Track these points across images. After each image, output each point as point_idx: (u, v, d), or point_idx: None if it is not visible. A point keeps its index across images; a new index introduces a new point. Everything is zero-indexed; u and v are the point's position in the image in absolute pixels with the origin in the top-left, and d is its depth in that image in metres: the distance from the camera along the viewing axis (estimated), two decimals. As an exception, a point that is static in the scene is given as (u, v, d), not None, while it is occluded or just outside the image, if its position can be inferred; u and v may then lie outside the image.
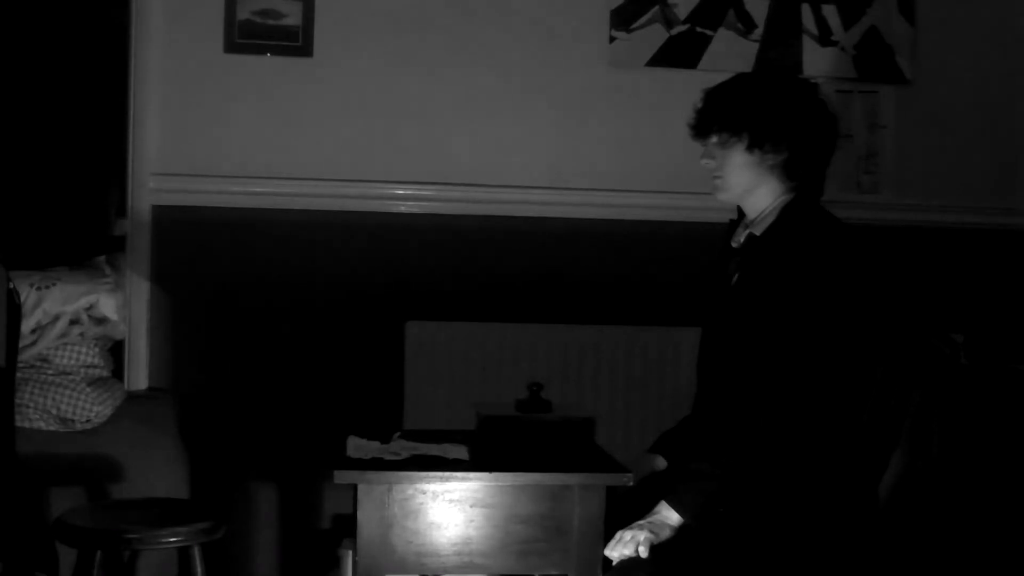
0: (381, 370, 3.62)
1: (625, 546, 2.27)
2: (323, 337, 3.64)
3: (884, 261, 2.51)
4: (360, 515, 2.28)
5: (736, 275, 2.51)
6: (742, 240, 2.51)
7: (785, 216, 2.44)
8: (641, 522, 2.30)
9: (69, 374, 3.32)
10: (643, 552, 2.25)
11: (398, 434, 2.54)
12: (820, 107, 2.46)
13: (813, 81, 2.55)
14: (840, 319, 2.33)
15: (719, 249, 2.61)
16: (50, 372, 3.32)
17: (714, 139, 2.46)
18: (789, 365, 2.33)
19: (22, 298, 3.13)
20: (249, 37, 3.58)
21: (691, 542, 2.36)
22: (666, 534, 2.30)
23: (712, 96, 2.48)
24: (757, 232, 2.47)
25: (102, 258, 3.63)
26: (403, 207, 3.67)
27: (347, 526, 3.12)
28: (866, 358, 2.41)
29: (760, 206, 2.47)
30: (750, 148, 2.42)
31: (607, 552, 2.30)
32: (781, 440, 2.33)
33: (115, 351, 3.54)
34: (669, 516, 2.31)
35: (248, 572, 3.63)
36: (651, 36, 3.75)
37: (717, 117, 2.45)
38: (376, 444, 2.45)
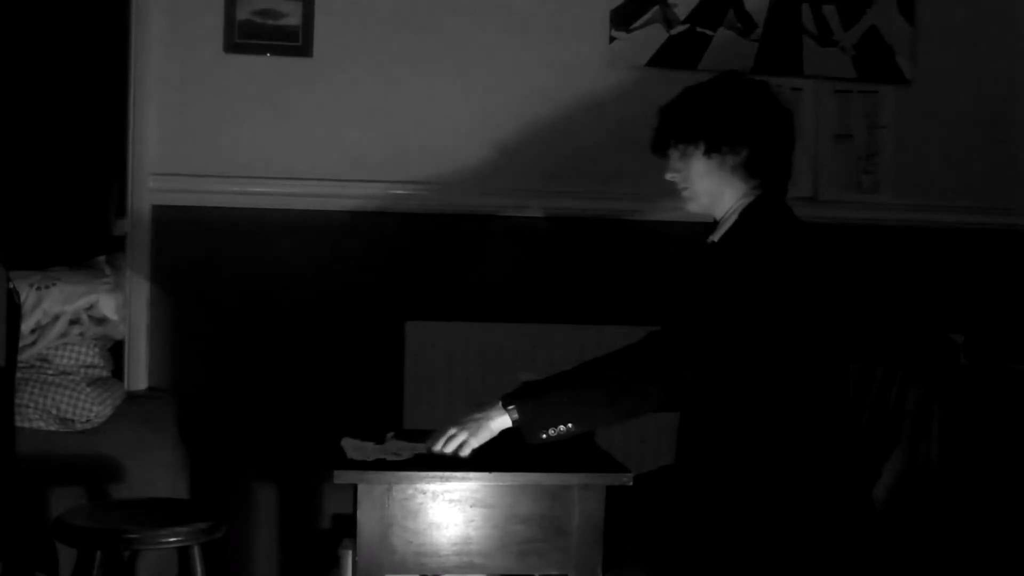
0: (381, 370, 3.62)
1: (447, 445, 2.33)
2: (323, 337, 3.64)
3: (838, 257, 2.50)
4: (360, 515, 2.28)
5: (700, 280, 2.51)
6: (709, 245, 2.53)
7: (743, 219, 2.44)
8: (468, 422, 2.34)
9: (69, 374, 3.32)
10: (464, 453, 2.32)
11: (391, 434, 2.54)
12: (771, 101, 2.47)
13: (760, 79, 2.55)
14: (777, 309, 2.31)
15: (695, 253, 2.61)
16: (50, 372, 3.32)
17: (674, 153, 2.48)
18: (729, 358, 2.33)
19: (22, 298, 3.14)
20: (249, 37, 3.58)
21: (691, 542, 2.37)
22: (486, 438, 2.34)
23: (665, 112, 2.51)
24: (716, 238, 2.49)
25: (102, 258, 3.63)
26: (403, 207, 3.67)
27: (347, 526, 3.13)
28: (827, 350, 2.40)
29: (725, 210, 2.48)
30: (708, 153, 2.43)
31: (432, 446, 2.35)
32: (738, 425, 2.35)
33: (115, 351, 3.54)
34: (501, 422, 2.34)
35: (248, 572, 3.63)
36: (651, 36, 3.75)
37: (672, 131, 2.48)
38: (371, 445, 2.44)
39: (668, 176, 2.52)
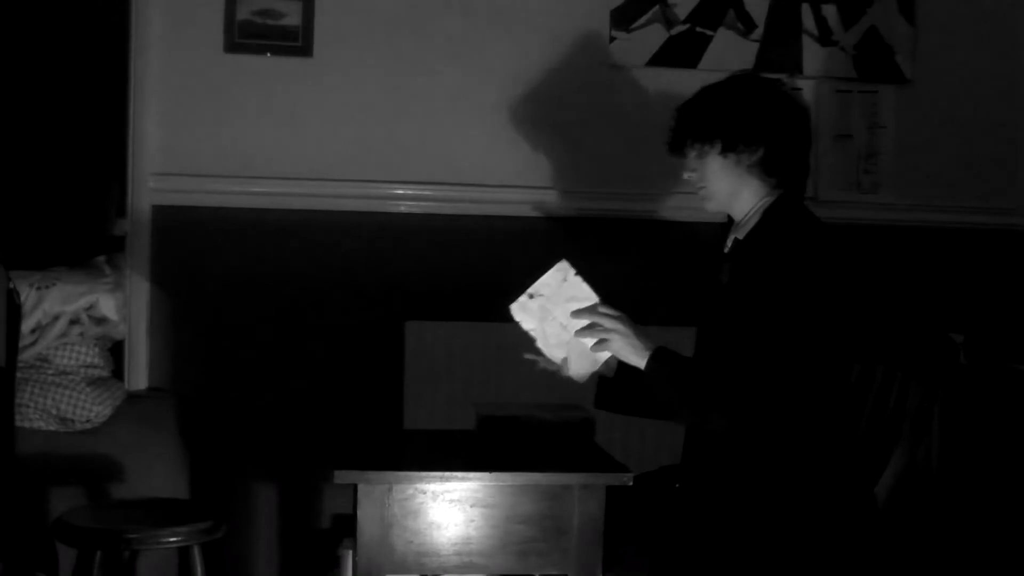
0: (381, 370, 3.62)
1: (594, 332, 2.38)
2: (323, 337, 3.64)
3: (861, 258, 2.51)
4: (360, 515, 2.28)
5: (726, 279, 2.52)
6: (729, 245, 2.53)
7: (767, 218, 2.44)
8: (626, 334, 2.38)
9: (69, 374, 3.32)
10: (600, 352, 2.39)
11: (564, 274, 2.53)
12: (787, 100, 2.48)
13: (776, 77, 2.56)
14: (817, 312, 2.32)
15: (712, 252, 2.62)
16: (50, 372, 3.32)
17: (691, 153, 2.49)
18: (768, 354, 2.32)
19: (22, 298, 3.14)
20: (249, 37, 3.58)
21: (691, 541, 2.37)
22: (621, 356, 2.38)
23: (682, 112, 2.52)
24: (740, 236, 2.49)
25: (102, 258, 3.63)
26: (403, 207, 3.67)
27: (347, 526, 3.13)
28: (847, 352, 2.41)
29: (745, 209, 2.48)
30: (724, 152, 2.44)
31: (577, 326, 2.40)
32: (767, 426, 2.34)
33: (115, 351, 3.54)
34: (638, 359, 2.36)
35: (248, 572, 3.63)
36: (651, 36, 3.75)
37: (689, 131, 2.48)
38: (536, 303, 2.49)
39: (686, 175, 2.52)
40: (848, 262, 2.39)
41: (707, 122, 2.45)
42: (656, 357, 2.34)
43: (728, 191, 2.47)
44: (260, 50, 3.59)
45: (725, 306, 2.47)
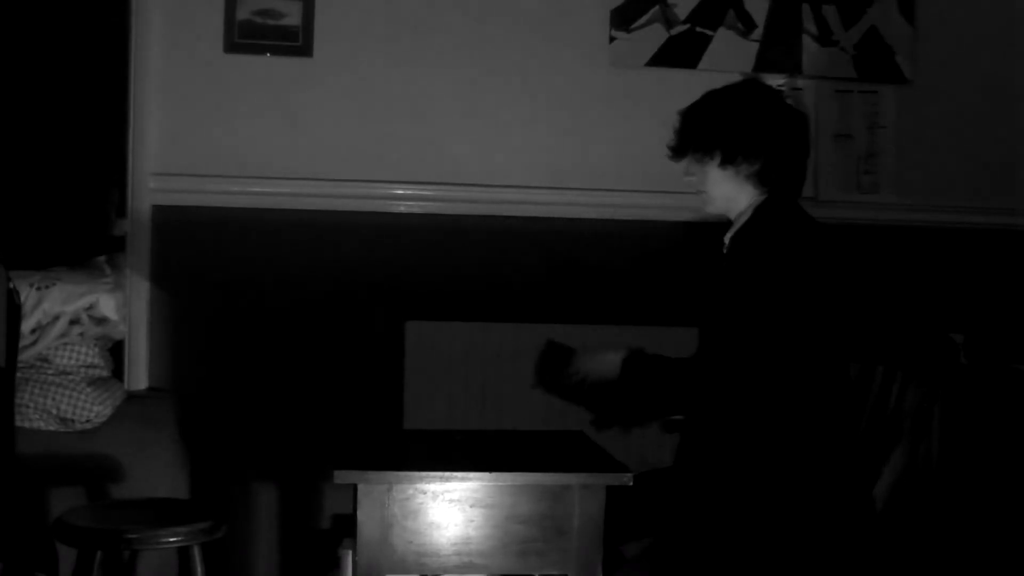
0: (381, 370, 3.62)
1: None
2: (323, 337, 3.64)
3: (850, 255, 2.54)
4: (360, 515, 2.28)
5: (721, 276, 2.56)
6: (727, 244, 2.59)
7: (757, 215, 2.51)
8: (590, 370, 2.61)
9: (69, 374, 3.32)
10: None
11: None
12: (787, 112, 2.54)
13: (778, 87, 2.63)
14: (791, 305, 2.34)
15: (712, 252, 2.65)
16: (50, 372, 3.32)
17: (692, 158, 2.57)
18: (736, 347, 2.35)
19: (22, 298, 3.14)
20: (249, 37, 3.58)
21: (691, 541, 2.37)
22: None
23: (685, 118, 2.59)
24: (731, 233, 2.56)
25: (102, 258, 3.63)
26: (403, 207, 3.67)
27: (347, 526, 3.12)
28: (838, 349, 2.42)
29: (741, 209, 2.55)
30: (723, 164, 2.51)
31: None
32: (732, 419, 2.40)
33: (115, 351, 3.54)
34: (611, 370, 2.53)
35: (248, 572, 3.63)
36: (651, 36, 3.75)
37: (691, 139, 2.56)
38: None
39: (686, 178, 2.60)
40: (833, 258, 2.43)
41: (708, 133, 2.52)
42: (628, 360, 2.54)
43: (727, 197, 2.55)
44: (260, 50, 3.59)
45: (717, 301, 2.50)
